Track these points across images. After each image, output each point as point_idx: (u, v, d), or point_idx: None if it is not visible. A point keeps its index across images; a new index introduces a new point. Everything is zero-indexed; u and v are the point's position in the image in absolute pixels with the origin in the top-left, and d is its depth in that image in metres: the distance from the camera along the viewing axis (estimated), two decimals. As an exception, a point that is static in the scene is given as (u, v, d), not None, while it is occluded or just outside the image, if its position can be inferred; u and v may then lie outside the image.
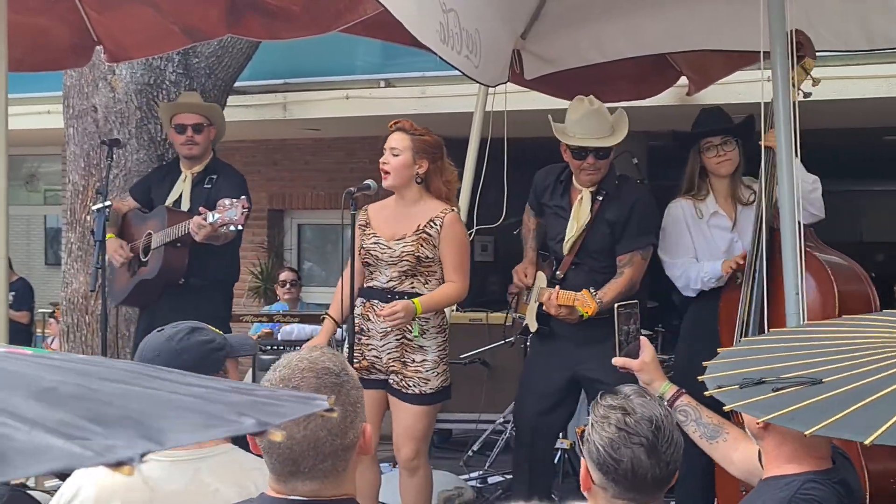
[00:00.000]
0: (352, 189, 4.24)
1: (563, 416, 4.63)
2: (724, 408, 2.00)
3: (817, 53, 4.40)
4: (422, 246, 4.24)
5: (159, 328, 2.49)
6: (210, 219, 4.62)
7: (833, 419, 1.61)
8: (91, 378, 0.99)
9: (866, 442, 1.58)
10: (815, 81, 4.06)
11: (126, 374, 1.04)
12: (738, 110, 4.75)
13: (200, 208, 4.72)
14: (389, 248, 4.27)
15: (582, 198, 4.44)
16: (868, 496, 3.51)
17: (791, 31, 3.45)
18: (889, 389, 1.61)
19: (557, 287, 4.37)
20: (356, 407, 1.84)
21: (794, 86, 4.03)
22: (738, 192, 4.48)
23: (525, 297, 4.72)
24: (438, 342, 4.29)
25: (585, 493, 2.13)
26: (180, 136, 5.10)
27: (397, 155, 4.27)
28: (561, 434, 6.14)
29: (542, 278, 4.60)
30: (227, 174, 5.14)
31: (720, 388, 1.94)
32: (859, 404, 1.61)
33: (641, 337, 2.78)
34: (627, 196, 4.43)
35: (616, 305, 2.81)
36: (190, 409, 0.93)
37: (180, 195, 5.11)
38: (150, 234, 5.04)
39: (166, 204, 5.09)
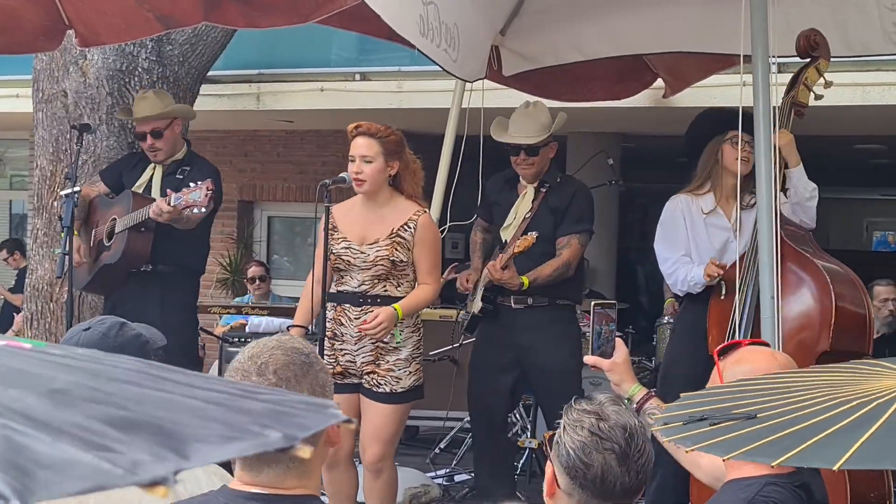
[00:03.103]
0: (326, 181, 4.19)
1: (508, 387, 4.84)
2: (663, 440, 2.01)
3: (792, 58, 4.42)
4: (396, 250, 4.21)
5: (85, 325, 2.42)
6: (173, 201, 4.56)
7: (753, 445, 1.71)
8: (102, 379, 0.92)
9: (773, 464, 1.64)
10: (828, 84, 4.07)
11: (134, 373, 0.96)
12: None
13: (168, 190, 4.67)
14: (362, 252, 4.21)
15: (526, 192, 4.83)
16: None
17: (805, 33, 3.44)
18: (812, 421, 1.67)
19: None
20: (325, 390, 1.83)
21: (807, 88, 4.07)
22: (742, 195, 4.44)
23: (471, 297, 4.98)
24: (413, 341, 4.29)
25: (548, 499, 2.09)
26: (143, 144, 5.10)
27: (370, 162, 4.20)
28: (529, 433, 6.14)
29: (486, 271, 4.85)
30: (200, 166, 5.09)
31: (666, 424, 1.97)
32: (781, 433, 1.68)
33: (616, 338, 2.77)
34: (568, 187, 4.87)
35: (592, 304, 2.82)
36: (211, 418, 0.86)
37: (150, 182, 5.05)
38: (114, 219, 4.99)
39: (134, 188, 5.04)
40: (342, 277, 4.25)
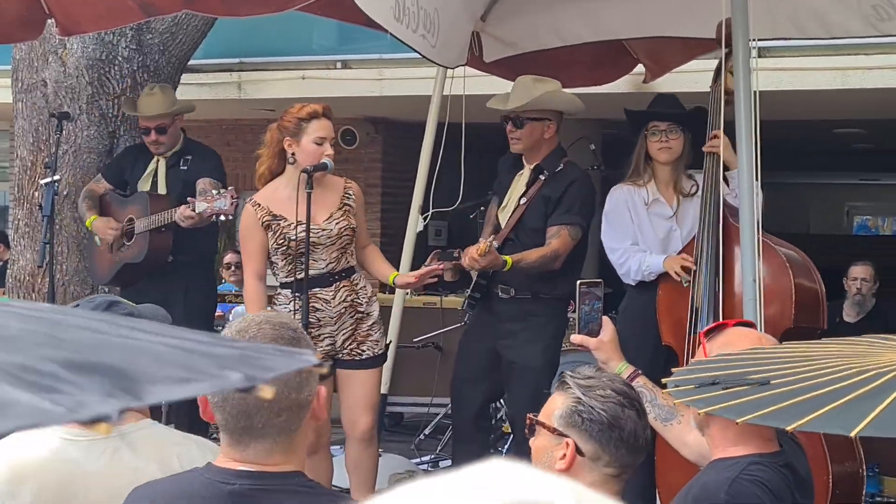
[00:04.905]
0: (308, 168, 4.18)
1: (484, 389, 4.78)
2: (676, 401, 2.03)
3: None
4: (349, 218, 4.28)
5: (74, 304, 2.44)
6: (199, 208, 4.62)
7: (768, 410, 1.70)
8: (60, 326, 0.91)
9: (789, 429, 1.67)
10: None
11: (101, 323, 0.96)
12: (694, 99, 4.76)
13: (189, 199, 4.71)
14: (323, 229, 4.22)
15: (523, 174, 4.68)
16: (831, 484, 3.57)
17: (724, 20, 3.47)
18: (828, 389, 1.68)
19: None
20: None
21: (731, 75, 4.10)
22: (679, 182, 4.52)
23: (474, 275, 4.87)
24: (377, 303, 4.39)
25: (562, 475, 2.10)
26: (147, 137, 5.22)
27: (333, 144, 4.30)
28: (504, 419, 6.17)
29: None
30: (201, 155, 5.23)
31: (677, 387, 1.99)
32: (797, 399, 1.69)
33: (603, 316, 2.76)
34: (566, 177, 4.65)
35: (578, 283, 2.78)
36: (169, 362, 0.85)
37: (154, 177, 5.16)
38: (132, 219, 5.09)
39: (140, 185, 5.17)
40: (301, 263, 4.20)
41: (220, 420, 1.81)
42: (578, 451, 2.05)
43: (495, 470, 0.72)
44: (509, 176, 4.79)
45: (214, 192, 4.66)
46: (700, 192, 4.31)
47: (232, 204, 4.58)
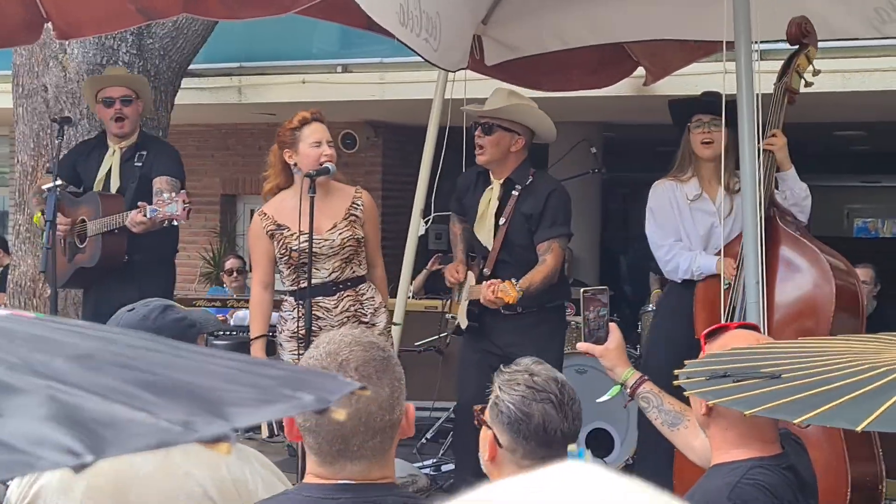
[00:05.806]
0: (311, 172, 4.18)
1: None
2: (685, 392, 2.03)
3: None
4: (355, 228, 4.28)
5: (129, 307, 2.44)
6: (149, 214, 4.56)
7: (777, 402, 1.72)
8: (121, 345, 0.88)
9: (796, 422, 1.69)
10: (816, 72, 4.09)
11: (149, 341, 0.93)
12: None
13: (140, 203, 4.63)
14: (326, 239, 4.24)
15: (493, 189, 4.64)
16: (849, 491, 3.55)
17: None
18: (839, 384, 1.69)
19: (488, 282, 4.49)
20: (401, 383, 1.85)
21: (798, 74, 4.09)
22: (728, 178, 4.44)
23: (456, 297, 4.85)
24: (385, 314, 4.39)
25: (488, 465, 2.15)
26: (108, 110, 5.00)
27: (333, 148, 4.30)
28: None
29: (471, 277, 4.74)
30: (158, 150, 5.06)
31: (689, 378, 2.00)
32: (806, 393, 1.70)
33: (610, 323, 2.75)
34: (541, 189, 4.64)
35: (581, 291, 2.79)
36: (240, 383, 0.83)
37: (108, 172, 5.01)
38: (83, 220, 4.95)
39: (96, 180, 5.01)
40: (305, 273, 4.23)
41: (313, 444, 1.79)
42: (498, 442, 2.12)
43: (574, 472, 0.72)
44: (475, 194, 4.74)
45: (166, 195, 4.58)
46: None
47: (184, 209, 4.52)
